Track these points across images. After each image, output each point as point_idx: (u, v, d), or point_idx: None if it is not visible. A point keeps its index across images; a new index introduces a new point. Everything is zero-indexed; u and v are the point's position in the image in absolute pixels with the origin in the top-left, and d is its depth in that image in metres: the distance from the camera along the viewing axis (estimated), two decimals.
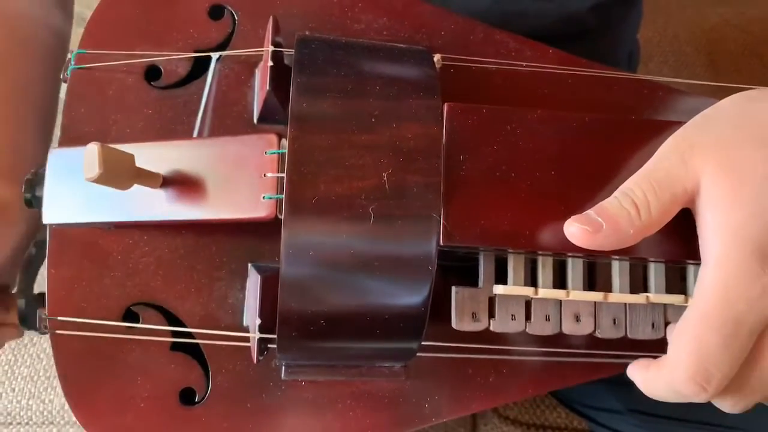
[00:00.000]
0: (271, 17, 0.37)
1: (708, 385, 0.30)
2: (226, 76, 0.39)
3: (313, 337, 0.33)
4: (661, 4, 0.96)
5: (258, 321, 0.34)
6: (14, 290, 0.45)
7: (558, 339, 0.38)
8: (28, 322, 0.40)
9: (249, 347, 0.37)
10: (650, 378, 0.33)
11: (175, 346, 0.38)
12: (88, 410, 0.38)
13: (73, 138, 0.39)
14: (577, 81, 0.40)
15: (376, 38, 0.40)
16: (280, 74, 0.36)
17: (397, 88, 0.33)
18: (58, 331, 0.38)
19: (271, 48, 0.36)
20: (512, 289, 0.34)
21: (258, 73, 0.39)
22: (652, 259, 0.35)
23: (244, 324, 0.38)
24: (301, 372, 0.36)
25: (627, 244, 0.31)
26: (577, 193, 0.33)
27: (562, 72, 0.40)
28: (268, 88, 0.35)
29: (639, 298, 0.35)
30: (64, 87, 0.40)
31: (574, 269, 0.35)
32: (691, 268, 0.36)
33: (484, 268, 0.35)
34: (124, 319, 0.38)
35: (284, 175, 0.31)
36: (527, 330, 0.35)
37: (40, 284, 0.40)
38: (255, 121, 0.39)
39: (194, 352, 0.38)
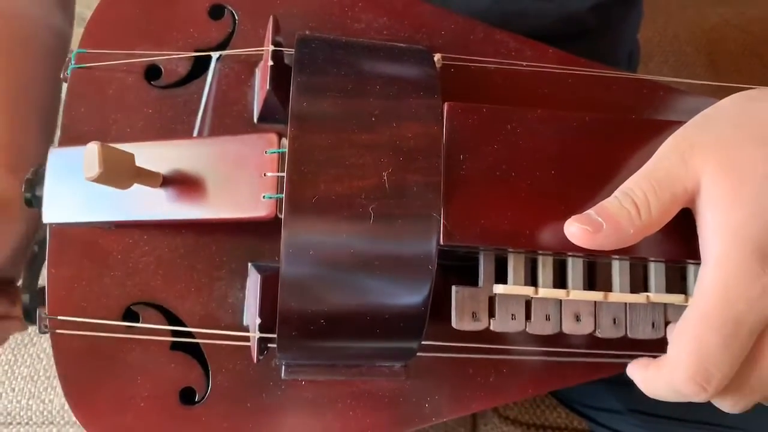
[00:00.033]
0: (271, 17, 0.37)
1: (708, 384, 0.30)
2: (226, 76, 0.39)
3: (313, 336, 0.33)
4: (661, 4, 0.96)
5: (258, 320, 0.34)
6: (19, 283, 0.45)
7: (558, 339, 0.38)
8: (32, 316, 0.40)
9: (249, 347, 0.37)
10: (650, 377, 0.33)
11: (175, 346, 0.38)
12: (88, 410, 0.38)
13: (73, 137, 0.39)
14: (577, 81, 0.40)
15: (377, 38, 0.40)
16: (280, 74, 0.36)
17: (397, 87, 0.33)
18: (58, 331, 0.38)
19: (271, 47, 0.36)
20: (512, 288, 0.34)
21: (258, 72, 0.39)
22: (653, 259, 0.35)
23: (244, 323, 0.38)
24: (301, 371, 0.36)
25: (627, 244, 0.31)
26: (577, 192, 0.33)
27: (562, 72, 0.40)
28: (268, 87, 0.35)
29: (639, 298, 0.35)
30: (64, 87, 0.40)
31: (575, 269, 0.35)
32: (691, 268, 0.36)
33: (484, 267, 0.35)
34: (124, 319, 0.38)
35: (284, 174, 0.31)
36: (527, 329, 0.35)
37: (45, 280, 0.40)
38: (255, 120, 0.39)
39: (194, 351, 0.38)
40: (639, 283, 0.36)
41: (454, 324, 0.35)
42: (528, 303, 0.35)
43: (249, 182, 0.34)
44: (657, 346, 0.34)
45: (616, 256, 0.34)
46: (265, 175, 0.34)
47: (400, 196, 0.31)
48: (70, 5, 0.54)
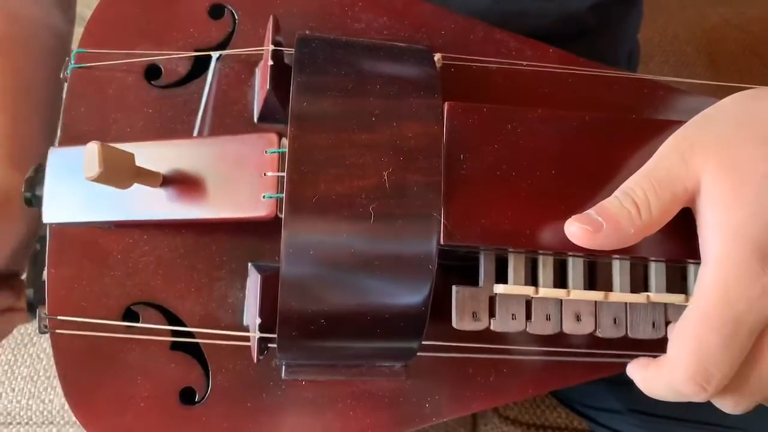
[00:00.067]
0: (271, 16, 0.37)
1: (708, 384, 0.30)
2: (226, 76, 0.39)
3: (314, 336, 0.33)
4: (661, 4, 0.96)
5: (258, 320, 0.34)
6: (23, 277, 0.45)
7: (558, 338, 0.38)
8: (35, 310, 0.40)
9: (249, 347, 0.37)
10: (650, 377, 0.33)
11: (175, 346, 0.38)
12: (88, 410, 0.38)
13: (73, 137, 0.39)
14: (578, 80, 0.40)
15: (377, 37, 0.40)
16: (280, 73, 0.36)
17: (397, 87, 0.33)
18: (58, 331, 0.38)
19: (271, 47, 0.36)
20: (513, 288, 0.34)
21: (258, 72, 0.39)
22: (653, 259, 0.35)
23: (244, 323, 0.38)
24: (302, 371, 0.36)
25: (627, 244, 0.31)
26: (577, 192, 0.33)
27: (563, 71, 0.40)
28: (268, 87, 0.35)
29: (640, 298, 0.35)
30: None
31: (575, 268, 0.35)
32: (691, 268, 0.36)
33: (485, 267, 0.35)
34: (124, 319, 0.38)
35: (284, 174, 0.31)
36: (528, 329, 0.35)
37: None
38: (255, 120, 0.39)
39: (194, 351, 0.38)
40: (639, 283, 0.36)
41: (454, 324, 0.35)
42: (528, 303, 0.35)
43: (249, 182, 0.34)
44: (657, 346, 0.34)
45: (617, 256, 0.34)
46: (265, 174, 0.34)
47: (401, 196, 0.31)
48: (71, 5, 0.54)
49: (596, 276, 0.36)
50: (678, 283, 0.36)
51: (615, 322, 0.36)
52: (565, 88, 0.40)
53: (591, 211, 0.32)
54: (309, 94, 0.32)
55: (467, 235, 0.32)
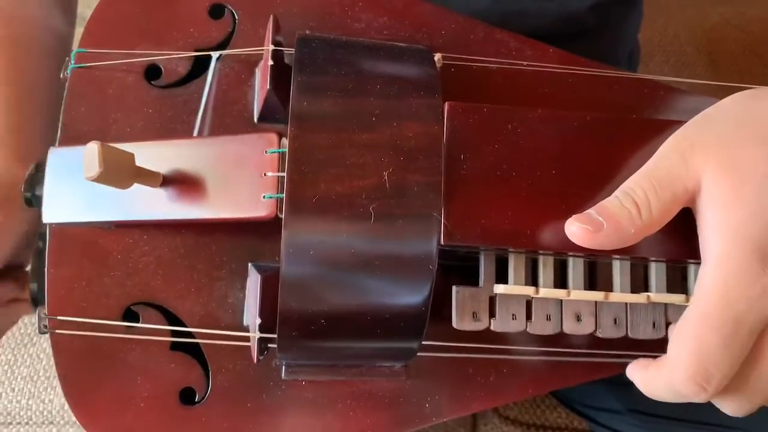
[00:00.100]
0: (271, 16, 0.37)
1: (708, 384, 0.30)
2: (226, 75, 0.39)
3: (314, 336, 0.33)
4: (661, 4, 0.96)
5: (258, 320, 0.34)
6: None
7: (559, 339, 0.38)
8: (38, 304, 0.40)
9: (249, 347, 0.37)
10: (649, 378, 0.33)
11: (175, 346, 0.38)
12: (87, 410, 0.38)
13: (72, 137, 0.39)
14: (578, 80, 0.40)
15: (377, 37, 0.40)
16: (280, 73, 0.36)
17: (397, 87, 0.33)
18: (58, 331, 0.38)
19: (271, 47, 0.36)
20: (513, 288, 0.34)
21: (258, 72, 0.39)
22: (653, 259, 0.35)
23: (244, 323, 0.38)
24: (302, 372, 0.36)
25: (628, 244, 0.31)
26: (577, 192, 0.33)
27: (563, 71, 0.40)
28: (268, 87, 0.35)
29: (640, 298, 0.35)
30: None
31: (575, 269, 0.35)
32: (692, 268, 0.36)
33: (485, 267, 0.35)
34: (124, 319, 0.38)
35: (285, 174, 0.31)
36: (528, 330, 0.35)
37: None
38: (255, 120, 0.39)
39: (194, 351, 0.38)
40: (640, 283, 0.36)
41: (454, 324, 0.35)
42: (529, 303, 0.35)
43: (249, 182, 0.34)
44: (658, 346, 0.34)
45: (617, 256, 0.34)
46: (265, 174, 0.34)
47: (401, 196, 0.31)
48: (72, 6, 0.54)
49: (596, 276, 0.36)
50: (678, 283, 0.36)
51: (615, 322, 0.36)
52: (566, 88, 0.40)
53: (591, 211, 0.32)
54: (309, 93, 0.32)
55: (467, 235, 0.32)
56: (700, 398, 0.31)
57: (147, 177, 0.34)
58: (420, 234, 0.32)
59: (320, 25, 0.40)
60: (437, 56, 0.38)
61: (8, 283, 0.45)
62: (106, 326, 0.38)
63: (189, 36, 0.40)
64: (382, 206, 0.31)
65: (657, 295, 0.35)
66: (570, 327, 0.35)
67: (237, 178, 0.35)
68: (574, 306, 0.35)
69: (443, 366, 0.39)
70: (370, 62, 0.35)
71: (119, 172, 0.32)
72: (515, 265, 0.35)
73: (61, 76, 0.40)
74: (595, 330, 0.36)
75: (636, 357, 0.34)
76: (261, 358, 0.35)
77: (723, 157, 0.31)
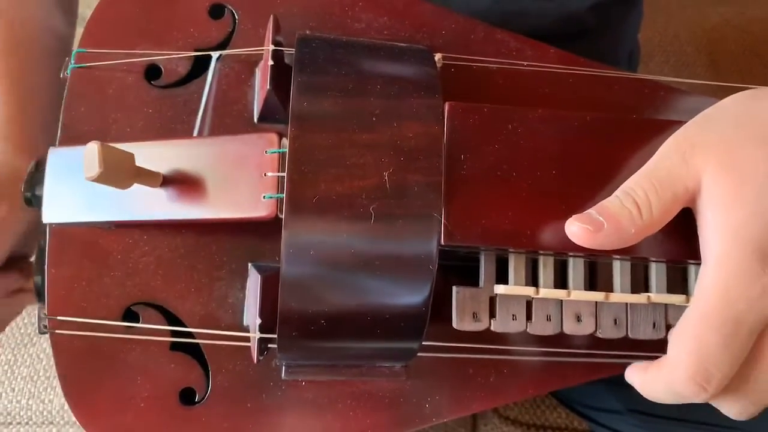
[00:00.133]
0: (271, 16, 0.37)
1: (708, 385, 0.30)
2: (226, 75, 0.39)
3: (314, 336, 0.33)
4: (661, 4, 0.96)
5: (258, 321, 0.34)
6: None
7: (559, 339, 0.38)
8: (42, 297, 0.40)
9: (249, 347, 0.37)
10: (649, 379, 0.33)
11: (175, 346, 0.38)
12: (87, 410, 0.38)
13: (72, 137, 0.39)
14: (578, 80, 0.40)
15: (377, 37, 0.39)
16: (280, 73, 0.36)
17: (398, 87, 0.33)
18: (58, 331, 0.38)
19: (271, 47, 0.36)
20: (513, 288, 0.34)
21: (258, 72, 0.39)
22: (654, 259, 0.35)
23: (245, 324, 0.38)
24: (302, 372, 0.36)
25: (628, 244, 0.31)
26: (578, 192, 0.33)
27: (563, 71, 0.40)
28: (268, 87, 0.35)
29: (640, 298, 0.35)
30: None
31: (575, 269, 0.35)
32: (692, 268, 0.36)
33: (485, 267, 0.35)
34: (124, 319, 0.38)
35: (285, 174, 0.31)
36: (528, 330, 0.35)
37: None
38: (255, 120, 0.39)
39: (194, 351, 0.38)
40: (640, 284, 0.36)
41: (454, 324, 0.35)
42: (529, 303, 0.35)
43: (249, 182, 0.34)
44: (658, 347, 0.34)
45: (617, 256, 0.34)
46: (265, 175, 0.34)
47: (401, 196, 0.31)
48: (72, 7, 0.54)
49: (597, 276, 0.36)
50: (679, 283, 0.36)
51: (615, 322, 0.36)
52: (566, 88, 0.40)
53: (592, 211, 0.32)
54: (309, 94, 0.32)
55: (468, 235, 0.32)
56: (699, 398, 0.31)
57: (147, 177, 0.34)
58: (420, 234, 0.32)
59: (320, 25, 0.40)
60: (437, 56, 0.38)
61: (13, 274, 0.45)
62: (106, 326, 0.38)
63: (189, 36, 0.40)
64: (383, 206, 0.31)
65: (657, 295, 0.35)
66: (570, 327, 0.35)
67: (237, 178, 0.35)
68: (574, 306, 0.35)
69: (443, 366, 0.39)
70: (370, 62, 0.35)
71: (119, 172, 0.32)
72: (515, 266, 0.35)
73: (61, 76, 0.40)
74: (596, 330, 0.36)
75: (636, 357, 0.34)
76: (261, 358, 0.35)
77: (723, 157, 0.31)
